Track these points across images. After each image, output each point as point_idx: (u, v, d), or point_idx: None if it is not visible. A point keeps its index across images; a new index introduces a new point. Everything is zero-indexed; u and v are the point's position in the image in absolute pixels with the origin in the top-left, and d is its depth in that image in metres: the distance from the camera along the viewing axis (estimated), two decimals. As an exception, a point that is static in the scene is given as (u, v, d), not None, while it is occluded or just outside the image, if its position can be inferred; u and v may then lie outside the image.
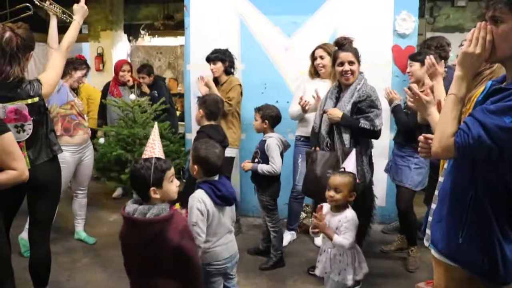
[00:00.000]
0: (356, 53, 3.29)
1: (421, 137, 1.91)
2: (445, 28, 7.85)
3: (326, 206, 2.87)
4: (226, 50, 4.29)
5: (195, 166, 2.49)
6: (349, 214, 2.77)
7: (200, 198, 2.40)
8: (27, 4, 5.07)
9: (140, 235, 1.99)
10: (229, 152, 3.88)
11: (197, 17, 4.76)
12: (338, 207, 2.80)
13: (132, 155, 4.46)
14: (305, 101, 3.83)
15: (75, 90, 4.14)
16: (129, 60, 7.99)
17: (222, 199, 2.46)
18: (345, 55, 3.26)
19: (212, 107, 3.58)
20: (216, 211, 2.45)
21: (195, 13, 4.76)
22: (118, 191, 5.56)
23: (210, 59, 4.25)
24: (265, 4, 4.61)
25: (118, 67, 5.47)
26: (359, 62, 3.30)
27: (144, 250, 2.01)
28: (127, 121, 4.42)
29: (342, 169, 2.87)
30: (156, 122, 2.35)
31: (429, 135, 1.86)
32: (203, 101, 3.60)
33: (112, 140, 4.41)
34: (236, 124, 4.32)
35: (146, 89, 5.50)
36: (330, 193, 2.76)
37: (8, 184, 2.18)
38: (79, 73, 4.13)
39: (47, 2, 3.27)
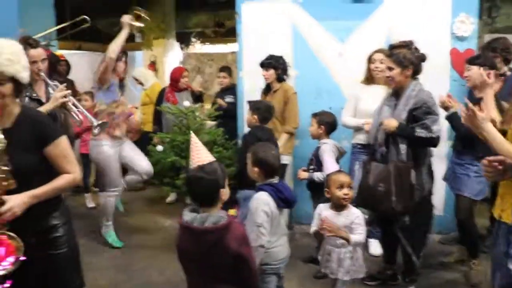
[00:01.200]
0: (397, 59, 3.15)
1: (484, 161, 1.84)
2: (506, 28, 7.51)
3: (323, 208, 2.86)
4: (280, 57, 4.31)
5: (255, 169, 2.58)
6: (355, 210, 2.80)
7: (265, 200, 2.49)
8: (85, 16, 5.35)
9: (199, 244, 2.01)
10: (282, 159, 3.88)
11: (249, 24, 4.79)
12: (341, 206, 2.79)
13: (186, 162, 4.51)
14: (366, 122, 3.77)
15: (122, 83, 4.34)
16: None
17: (284, 201, 2.57)
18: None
19: (265, 113, 3.74)
20: (277, 212, 2.54)
21: (247, 20, 4.80)
22: (172, 196, 5.66)
23: (263, 65, 4.29)
24: (318, 10, 4.58)
25: (178, 74, 5.54)
26: (403, 67, 3.14)
27: (203, 258, 2.02)
28: (181, 128, 4.49)
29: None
30: (191, 132, 2.39)
31: (492, 158, 1.79)
32: (256, 107, 3.71)
33: (167, 146, 4.49)
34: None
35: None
36: (345, 191, 2.76)
37: (67, 188, 2.23)
38: (121, 64, 4.33)
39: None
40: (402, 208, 3.09)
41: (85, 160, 5.13)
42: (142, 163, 4.45)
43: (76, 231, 2.32)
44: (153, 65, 9.03)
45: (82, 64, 8.78)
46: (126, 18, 4.13)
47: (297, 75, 4.64)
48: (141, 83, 6.36)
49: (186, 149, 4.59)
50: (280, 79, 4.33)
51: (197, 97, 5.75)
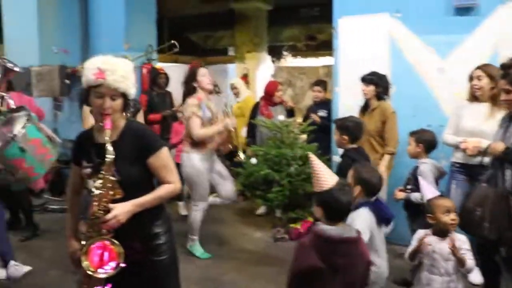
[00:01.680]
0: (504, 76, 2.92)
1: None
2: None
3: (424, 233, 2.76)
4: (384, 76, 4.24)
5: (357, 187, 2.66)
6: (460, 235, 2.72)
7: (367, 217, 2.60)
8: (174, 42, 5.63)
9: (345, 255, 2.06)
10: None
11: (346, 39, 4.76)
12: (445, 232, 2.67)
13: (279, 175, 4.57)
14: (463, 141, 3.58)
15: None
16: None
17: (384, 219, 2.67)
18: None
19: (356, 132, 3.55)
20: (377, 229, 2.62)
21: (344, 34, 4.77)
22: (262, 209, 5.72)
23: (364, 79, 4.22)
24: (418, 23, 4.44)
25: (273, 88, 5.64)
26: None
27: (347, 269, 2.07)
28: (276, 141, 4.55)
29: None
30: (310, 153, 2.40)
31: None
32: (345, 127, 3.54)
33: (260, 159, 4.57)
34: (382, 149, 4.23)
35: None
36: (452, 216, 2.65)
37: (168, 198, 2.31)
38: (204, 79, 4.27)
39: None
40: (496, 237, 2.90)
41: (180, 169, 5.30)
42: (227, 187, 4.48)
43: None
44: (245, 78, 9.23)
45: (178, 76, 9.16)
46: None
47: (394, 92, 4.52)
48: (236, 94, 6.52)
49: (279, 162, 4.66)
50: (380, 97, 4.25)
51: (289, 111, 5.80)
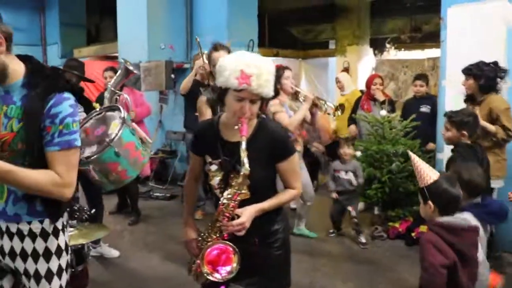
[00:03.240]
0: None
1: None
2: None
3: None
4: (486, 64, 3.83)
5: None
6: None
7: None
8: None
9: (472, 244, 2.09)
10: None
11: (455, 29, 4.45)
12: None
13: (380, 172, 4.42)
14: None
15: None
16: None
17: (494, 215, 2.62)
18: None
19: (475, 127, 3.30)
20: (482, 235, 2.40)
21: (452, 24, 4.47)
22: (361, 205, 5.57)
23: (463, 72, 3.90)
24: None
25: (370, 81, 5.51)
26: None
27: (470, 258, 2.07)
28: (376, 137, 4.40)
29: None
30: (409, 152, 2.29)
31: None
32: (465, 122, 3.25)
33: (361, 156, 4.45)
34: (500, 151, 3.86)
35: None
36: None
37: (288, 202, 2.35)
38: (287, 82, 4.26)
39: None
40: None
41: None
42: (310, 190, 4.49)
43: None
44: (346, 71, 9.04)
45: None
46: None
47: (509, 86, 4.13)
48: (340, 88, 6.43)
49: (380, 159, 4.51)
50: (483, 89, 3.84)
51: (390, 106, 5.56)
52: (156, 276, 3.96)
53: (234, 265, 2.01)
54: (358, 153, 4.44)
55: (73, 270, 2.54)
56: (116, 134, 2.98)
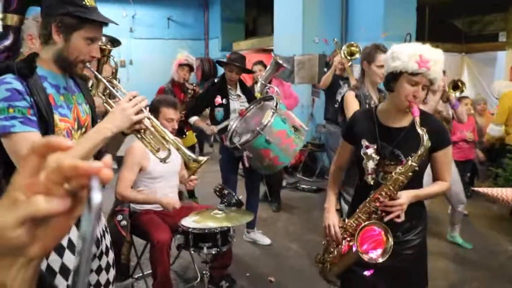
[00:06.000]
0: None
1: None
2: None
3: None
4: None
5: None
6: None
7: None
8: None
9: None
10: None
11: None
12: None
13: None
14: None
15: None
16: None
17: None
18: None
19: None
20: None
21: None
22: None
23: None
24: None
25: None
26: None
27: None
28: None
29: None
30: None
31: None
32: None
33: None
34: None
35: None
36: None
37: (439, 195, 2.30)
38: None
39: None
40: None
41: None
42: (459, 191, 4.15)
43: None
44: (516, 67, 8.13)
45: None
46: None
47: None
48: None
49: None
50: None
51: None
52: (291, 266, 3.99)
53: (388, 246, 1.98)
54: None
55: (218, 250, 2.69)
56: (267, 123, 3.23)
